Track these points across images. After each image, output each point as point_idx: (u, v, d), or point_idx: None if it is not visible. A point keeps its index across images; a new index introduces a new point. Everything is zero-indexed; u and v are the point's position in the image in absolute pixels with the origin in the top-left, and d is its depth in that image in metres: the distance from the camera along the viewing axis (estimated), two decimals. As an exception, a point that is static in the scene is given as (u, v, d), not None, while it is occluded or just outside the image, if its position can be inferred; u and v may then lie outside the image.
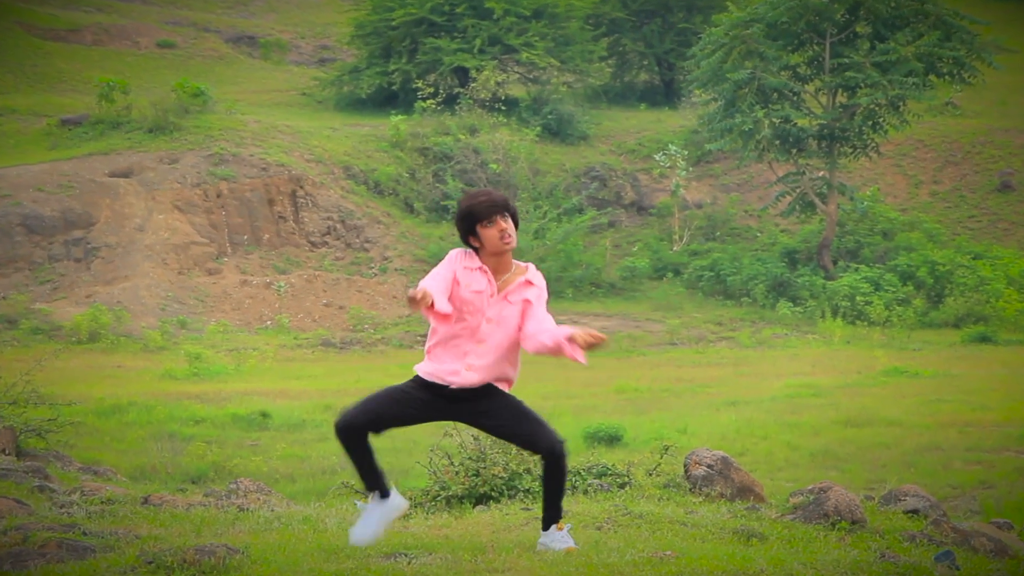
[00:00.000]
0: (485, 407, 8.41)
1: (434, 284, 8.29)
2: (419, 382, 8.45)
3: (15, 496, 10.39)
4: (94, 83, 47.58)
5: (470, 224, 8.41)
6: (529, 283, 8.44)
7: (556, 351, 8.21)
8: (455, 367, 8.36)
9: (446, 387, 8.37)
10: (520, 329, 8.37)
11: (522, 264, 8.55)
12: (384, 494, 8.53)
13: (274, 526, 9.18)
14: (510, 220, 8.42)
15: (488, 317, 8.37)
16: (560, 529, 8.50)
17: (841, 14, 41.43)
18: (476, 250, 8.47)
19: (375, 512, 8.52)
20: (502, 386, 8.45)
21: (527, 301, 8.40)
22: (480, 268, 8.42)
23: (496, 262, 8.44)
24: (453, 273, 8.41)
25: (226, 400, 26.63)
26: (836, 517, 9.72)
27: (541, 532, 8.58)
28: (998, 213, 45.77)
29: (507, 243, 8.39)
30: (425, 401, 8.42)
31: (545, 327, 8.32)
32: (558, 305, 40.33)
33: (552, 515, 8.51)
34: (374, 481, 8.52)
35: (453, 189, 43.97)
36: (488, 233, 8.39)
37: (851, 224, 43.28)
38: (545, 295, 8.50)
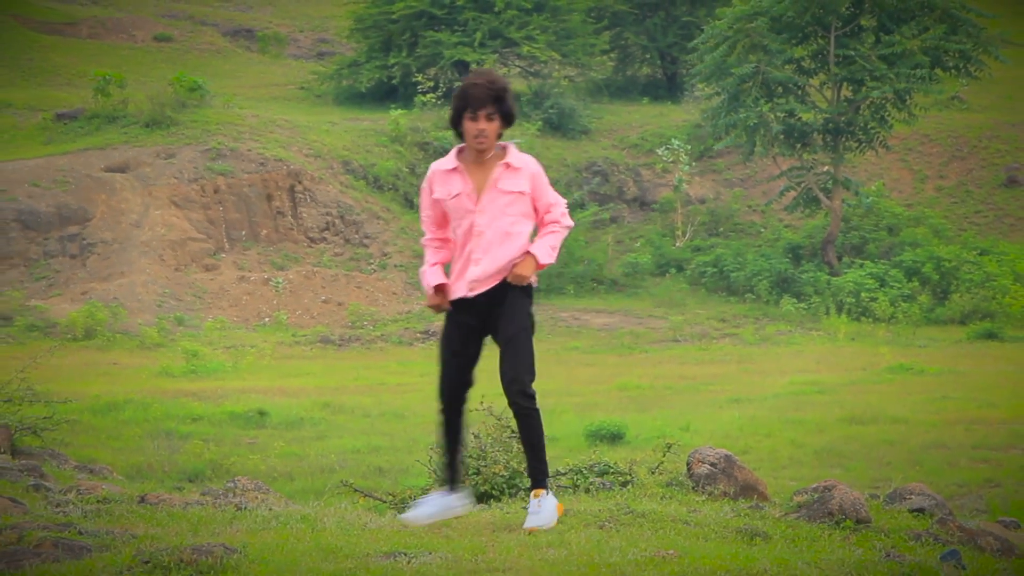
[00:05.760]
0: (497, 313, 8.34)
1: (430, 232, 8.37)
2: (453, 307, 8.39)
3: (10, 495, 10.37)
4: (90, 77, 47.57)
5: (460, 107, 8.19)
6: (509, 166, 8.23)
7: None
8: (468, 271, 8.32)
9: (469, 298, 8.31)
10: (524, 217, 8.26)
11: (501, 145, 8.29)
12: (452, 489, 8.72)
13: (272, 525, 9.17)
14: (497, 121, 8.17)
15: (479, 210, 8.23)
16: (536, 498, 8.55)
17: (846, 7, 41.40)
18: (461, 136, 8.28)
19: (437, 501, 8.71)
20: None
21: (521, 194, 8.24)
22: (454, 169, 8.25)
23: (475, 155, 8.26)
24: (432, 199, 8.33)
25: (223, 398, 26.63)
26: (840, 516, 9.71)
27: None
28: (1004, 208, 45.75)
29: (480, 144, 8.19)
30: (470, 326, 8.38)
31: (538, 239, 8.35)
32: (560, 302, 40.31)
33: (533, 475, 8.60)
34: (452, 474, 8.71)
35: (453, 184, 43.90)
36: (467, 126, 8.19)
37: (856, 219, 43.26)
38: (539, 174, 8.31)
